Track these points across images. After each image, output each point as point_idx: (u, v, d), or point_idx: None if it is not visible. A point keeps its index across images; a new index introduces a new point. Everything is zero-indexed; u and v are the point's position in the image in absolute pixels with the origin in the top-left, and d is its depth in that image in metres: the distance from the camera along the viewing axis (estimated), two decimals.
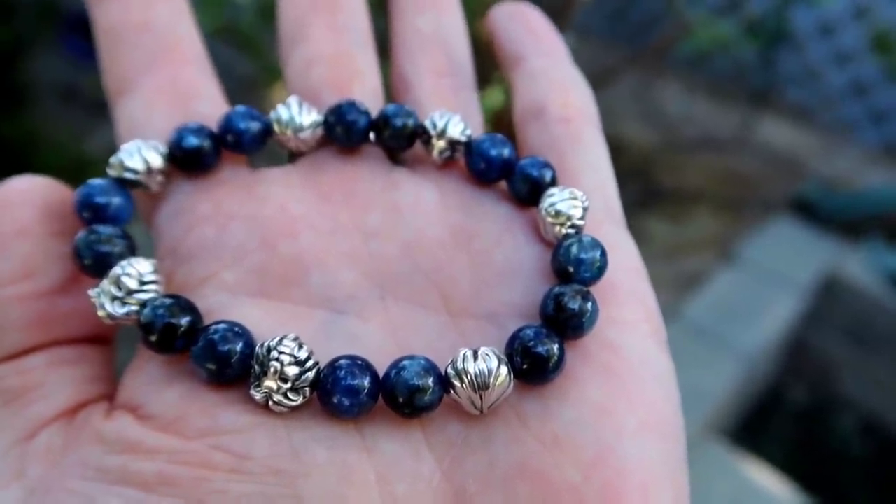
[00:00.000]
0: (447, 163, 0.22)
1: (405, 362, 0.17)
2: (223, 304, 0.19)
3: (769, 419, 1.29)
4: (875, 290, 1.30)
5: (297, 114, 0.22)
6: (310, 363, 0.17)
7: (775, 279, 1.31)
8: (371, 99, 0.23)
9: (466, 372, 0.17)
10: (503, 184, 0.22)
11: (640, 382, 0.18)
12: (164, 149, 0.21)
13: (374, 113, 0.22)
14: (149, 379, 0.18)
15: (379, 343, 0.19)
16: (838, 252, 1.39)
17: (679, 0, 1.39)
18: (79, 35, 1.37)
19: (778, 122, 1.75)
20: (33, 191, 0.19)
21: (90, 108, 1.34)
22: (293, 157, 0.23)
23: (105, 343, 0.20)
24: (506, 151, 0.21)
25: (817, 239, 1.43)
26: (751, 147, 1.68)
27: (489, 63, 0.25)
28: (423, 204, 0.21)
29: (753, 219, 1.51)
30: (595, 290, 0.19)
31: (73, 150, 1.15)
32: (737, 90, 1.75)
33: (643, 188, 1.55)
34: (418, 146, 0.23)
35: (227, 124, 0.21)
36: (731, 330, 1.20)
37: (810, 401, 1.36)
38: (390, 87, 0.25)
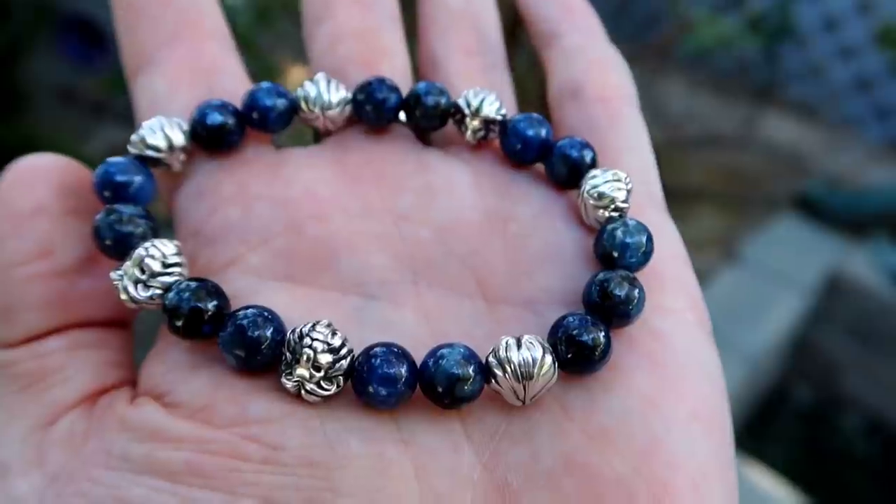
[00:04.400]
0: (480, 143, 0.21)
1: (444, 350, 0.16)
2: (249, 288, 0.18)
3: (774, 419, 1.28)
4: (880, 289, 1.30)
5: (326, 91, 0.21)
6: (344, 351, 0.16)
7: (779, 278, 1.31)
8: (400, 78, 0.22)
9: (510, 361, 0.16)
10: (539, 166, 0.21)
11: (688, 373, 0.17)
12: (186, 126, 0.20)
13: (404, 92, 0.21)
14: (173, 365, 0.17)
15: (413, 330, 0.18)
16: (843, 251, 1.38)
17: None
18: (76, 37, 1.35)
19: (782, 118, 1.74)
20: (48, 168, 0.18)
21: (88, 110, 1.33)
22: (318, 137, 0.22)
23: (123, 327, 0.19)
24: (543, 132, 0.20)
25: (822, 237, 1.42)
26: (754, 144, 1.67)
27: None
28: (457, 186, 0.20)
29: (757, 217, 1.50)
30: (639, 276, 0.18)
31: (72, 153, 1.13)
32: (740, 87, 1.74)
33: None
34: (449, 126, 0.22)
35: (252, 101, 0.20)
36: (735, 329, 1.19)
37: (815, 400, 1.35)
38: (416, 70, 0.24)
